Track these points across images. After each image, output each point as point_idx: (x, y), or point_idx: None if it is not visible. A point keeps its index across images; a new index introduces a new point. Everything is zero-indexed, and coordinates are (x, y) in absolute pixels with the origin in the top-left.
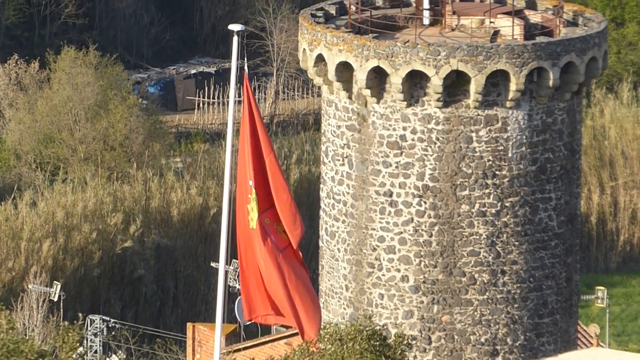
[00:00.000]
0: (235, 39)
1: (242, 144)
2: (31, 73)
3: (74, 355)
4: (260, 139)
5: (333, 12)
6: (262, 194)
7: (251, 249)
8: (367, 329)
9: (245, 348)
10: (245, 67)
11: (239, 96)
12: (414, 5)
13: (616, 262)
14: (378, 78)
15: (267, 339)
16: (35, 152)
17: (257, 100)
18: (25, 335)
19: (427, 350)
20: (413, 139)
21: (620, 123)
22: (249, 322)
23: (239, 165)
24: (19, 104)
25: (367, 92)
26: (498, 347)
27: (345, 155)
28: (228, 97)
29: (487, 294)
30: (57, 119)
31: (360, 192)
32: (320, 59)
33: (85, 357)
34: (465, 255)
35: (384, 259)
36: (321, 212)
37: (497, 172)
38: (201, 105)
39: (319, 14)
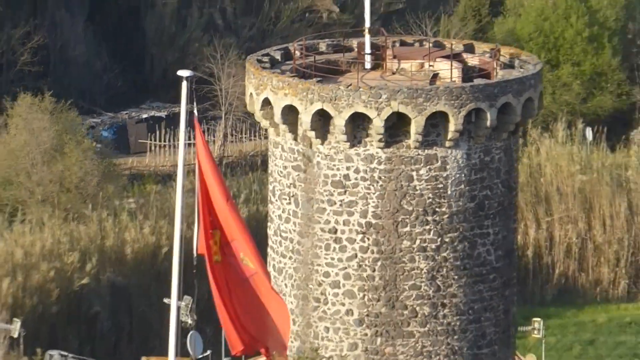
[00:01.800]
0: (184, 84)
1: (200, 184)
2: None
3: None
4: (215, 178)
5: (278, 57)
6: (223, 228)
7: (223, 281)
8: None
9: None
10: (195, 111)
11: (189, 139)
12: (356, 50)
13: (552, 294)
14: (322, 120)
15: None
16: None
17: (207, 142)
18: None
19: None
20: (356, 178)
21: (556, 161)
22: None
23: (200, 205)
24: None
25: (312, 133)
26: None
27: (291, 195)
28: (178, 140)
29: (427, 326)
30: (14, 162)
31: (306, 230)
32: (266, 102)
33: None
34: (407, 289)
35: (329, 294)
36: (269, 250)
37: (437, 209)
38: (153, 148)
39: (265, 59)
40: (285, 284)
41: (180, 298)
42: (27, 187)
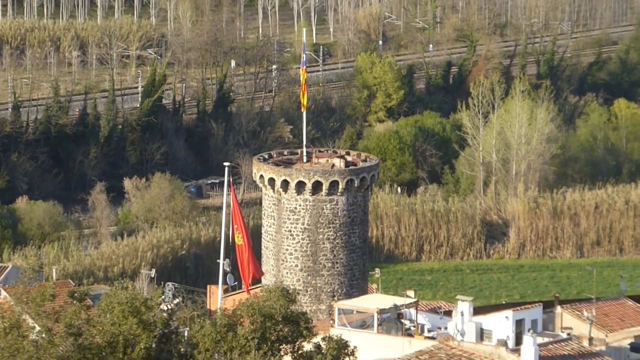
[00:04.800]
0: (227, 168)
1: (232, 210)
2: None
3: None
4: (237, 209)
5: (266, 157)
6: (240, 230)
7: (241, 248)
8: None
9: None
10: (230, 179)
11: (228, 192)
12: (300, 154)
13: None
14: (285, 184)
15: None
16: None
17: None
18: None
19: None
20: (299, 208)
21: (384, 202)
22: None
23: (232, 219)
24: None
25: (280, 189)
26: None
27: (271, 216)
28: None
29: (330, 272)
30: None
31: (278, 230)
32: (261, 176)
33: None
34: (321, 256)
35: (287, 258)
36: (262, 239)
37: (334, 221)
38: (212, 196)
39: (261, 158)
40: (268, 254)
41: (224, 259)
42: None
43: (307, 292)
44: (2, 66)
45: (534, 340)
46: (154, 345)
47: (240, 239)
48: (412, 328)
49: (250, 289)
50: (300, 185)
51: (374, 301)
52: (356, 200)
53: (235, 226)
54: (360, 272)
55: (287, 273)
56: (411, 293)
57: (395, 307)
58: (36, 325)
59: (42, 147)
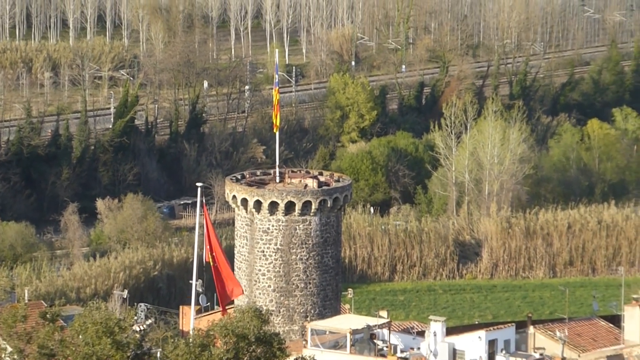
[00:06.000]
0: (199, 189)
1: (206, 230)
2: None
3: None
4: (210, 230)
5: (239, 177)
6: (213, 250)
7: (215, 269)
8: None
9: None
10: (203, 200)
11: (201, 212)
12: (272, 174)
13: (355, 278)
14: (258, 204)
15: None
16: None
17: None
18: None
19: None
20: (272, 228)
21: (357, 222)
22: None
23: (205, 239)
24: None
25: (253, 210)
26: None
27: (244, 236)
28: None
29: (303, 292)
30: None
31: (251, 251)
32: (234, 196)
33: None
34: (294, 276)
35: (260, 279)
36: (235, 259)
37: (307, 242)
38: (185, 216)
39: (234, 178)
40: (240, 275)
41: (197, 280)
42: None
43: (280, 312)
44: None
45: None
46: None
47: (213, 260)
48: (385, 348)
49: (227, 308)
50: (273, 206)
51: (347, 322)
52: (329, 220)
53: (208, 247)
54: (333, 292)
55: (259, 294)
56: (384, 313)
57: (368, 327)
58: (8, 347)
59: (14, 168)
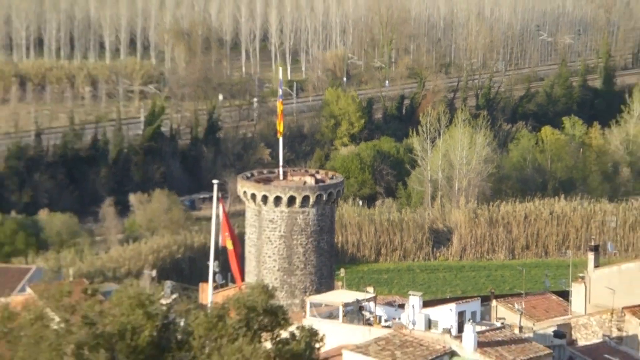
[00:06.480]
0: (215, 185)
1: (223, 218)
2: None
3: None
4: (226, 218)
5: (249, 175)
6: (229, 235)
7: (231, 252)
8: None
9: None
10: (220, 194)
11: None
12: (276, 173)
13: (345, 259)
14: (265, 198)
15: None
16: None
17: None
18: None
19: None
20: (276, 218)
21: (348, 212)
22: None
23: (222, 226)
24: None
25: (261, 202)
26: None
27: (253, 225)
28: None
29: (303, 271)
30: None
31: (259, 237)
32: (244, 192)
33: None
34: (295, 259)
35: (266, 260)
36: (245, 244)
37: (305, 229)
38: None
39: (244, 176)
40: (250, 257)
41: (214, 261)
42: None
43: (283, 288)
44: (26, 100)
45: (473, 328)
46: (155, 333)
47: (230, 244)
48: (371, 318)
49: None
50: (278, 199)
51: (339, 296)
52: (324, 211)
53: (226, 233)
54: (328, 272)
55: (266, 273)
56: (370, 289)
57: (357, 301)
58: (56, 317)
59: (60, 168)
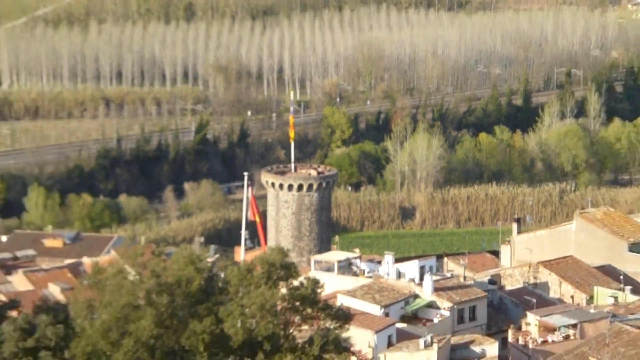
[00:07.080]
0: (246, 176)
1: (251, 199)
2: None
3: None
4: (253, 200)
5: (270, 169)
6: (256, 212)
7: (260, 226)
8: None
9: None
10: (250, 182)
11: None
12: (289, 167)
13: (340, 229)
14: (281, 185)
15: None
16: None
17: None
18: None
19: None
20: (290, 199)
21: (340, 199)
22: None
23: (251, 205)
24: None
25: (278, 188)
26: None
27: (273, 205)
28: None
29: (308, 238)
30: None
31: (277, 214)
32: (267, 181)
33: None
34: (303, 229)
35: (282, 230)
36: (268, 219)
37: (310, 207)
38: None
39: (267, 169)
40: (270, 228)
41: (245, 230)
42: None
43: (294, 250)
44: (110, 116)
45: (431, 278)
46: (203, 283)
47: (257, 218)
48: (358, 271)
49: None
50: (290, 186)
51: (335, 255)
52: (324, 195)
53: (254, 211)
54: (327, 238)
55: (282, 239)
56: (357, 250)
57: (348, 259)
58: (132, 271)
59: (134, 164)
